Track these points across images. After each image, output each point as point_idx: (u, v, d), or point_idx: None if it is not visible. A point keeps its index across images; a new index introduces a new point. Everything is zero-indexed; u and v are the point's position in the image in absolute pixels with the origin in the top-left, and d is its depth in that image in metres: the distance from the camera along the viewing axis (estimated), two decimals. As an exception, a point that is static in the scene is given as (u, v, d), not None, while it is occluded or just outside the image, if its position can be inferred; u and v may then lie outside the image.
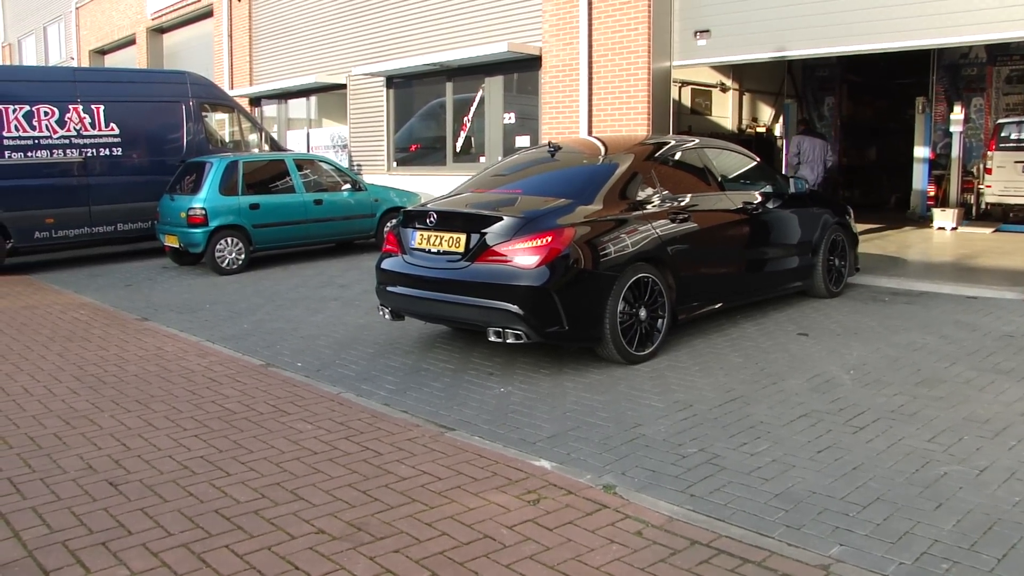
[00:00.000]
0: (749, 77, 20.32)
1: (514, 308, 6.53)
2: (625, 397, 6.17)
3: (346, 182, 14.34)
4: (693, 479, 4.67)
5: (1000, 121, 16.29)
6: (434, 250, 7.16)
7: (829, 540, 3.92)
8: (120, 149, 14.38)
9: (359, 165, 19.01)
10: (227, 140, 17.29)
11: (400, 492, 4.54)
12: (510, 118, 15.80)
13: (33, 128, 13.38)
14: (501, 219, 6.80)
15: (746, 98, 20.55)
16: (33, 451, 5.30)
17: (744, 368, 6.85)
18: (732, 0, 12.26)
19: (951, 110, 17.27)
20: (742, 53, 12.50)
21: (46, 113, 13.53)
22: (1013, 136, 15.53)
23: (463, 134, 16.84)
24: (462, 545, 3.91)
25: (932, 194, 17.91)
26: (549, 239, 6.59)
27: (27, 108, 13.34)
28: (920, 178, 18.18)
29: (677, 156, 8.21)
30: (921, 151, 17.99)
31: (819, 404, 5.89)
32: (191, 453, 5.22)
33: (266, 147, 17.41)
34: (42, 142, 13.50)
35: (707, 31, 12.59)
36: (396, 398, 6.36)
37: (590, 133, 13.56)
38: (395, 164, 18.45)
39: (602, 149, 8.23)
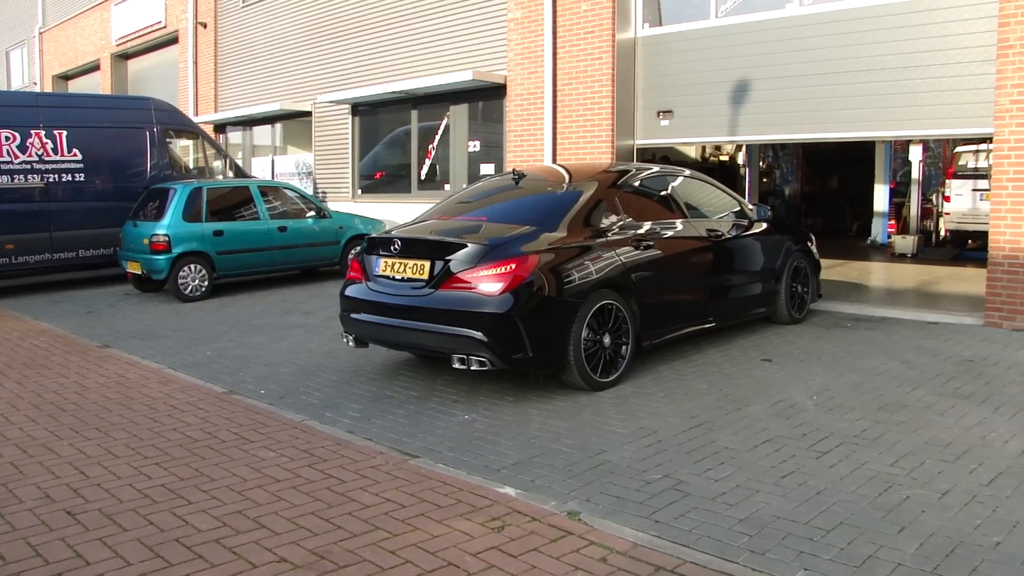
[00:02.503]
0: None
1: (478, 335, 6.52)
2: (590, 424, 6.16)
3: (311, 209, 14.29)
4: (658, 505, 4.67)
5: (958, 149, 16.57)
6: (398, 277, 7.15)
7: (794, 564, 3.93)
8: (83, 175, 14.25)
9: (324, 192, 18.98)
10: (191, 166, 17.18)
11: (363, 520, 4.50)
12: (475, 146, 15.85)
13: (-6, 153, 13.25)
14: (465, 246, 6.80)
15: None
16: (-11, 481, 5.21)
17: (708, 394, 6.88)
18: (692, 83, 12.57)
19: (910, 139, 17.55)
20: (703, 135, 12.87)
21: (7, 138, 13.38)
22: (970, 164, 15.79)
23: (428, 162, 16.86)
24: (426, 573, 3.88)
25: (892, 222, 18.17)
26: (513, 266, 6.59)
27: (-12, 133, 13.21)
28: (880, 206, 18.44)
29: (641, 184, 8.27)
30: (881, 179, 18.25)
31: (783, 429, 5.92)
32: (152, 481, 5.15)
33: (230, 174, 17.34)
34: (3, 167, 13.33)
35: (670, 112, 12.85)
36: (360, 425, 6.32)
37: (554, 161, 13.63)
38: (360, 191, 18.44)
39: (566, 176, 8.27)
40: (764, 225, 9.24)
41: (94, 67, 28.95)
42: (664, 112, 12.87)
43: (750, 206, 9.39)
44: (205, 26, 22.77)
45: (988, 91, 9.52)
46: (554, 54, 13.56)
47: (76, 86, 31.06)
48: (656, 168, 8.73)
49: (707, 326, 8.41)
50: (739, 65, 11.95)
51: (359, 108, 18.32)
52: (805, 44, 11.27)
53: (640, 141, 13.29)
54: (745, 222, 9.03)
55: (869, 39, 10.68)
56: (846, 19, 10.87)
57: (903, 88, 10.42)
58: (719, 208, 9.03)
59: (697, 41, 12.50)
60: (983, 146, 15.46)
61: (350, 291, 7.61)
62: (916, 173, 17.78)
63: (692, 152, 19.88)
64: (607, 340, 7.07)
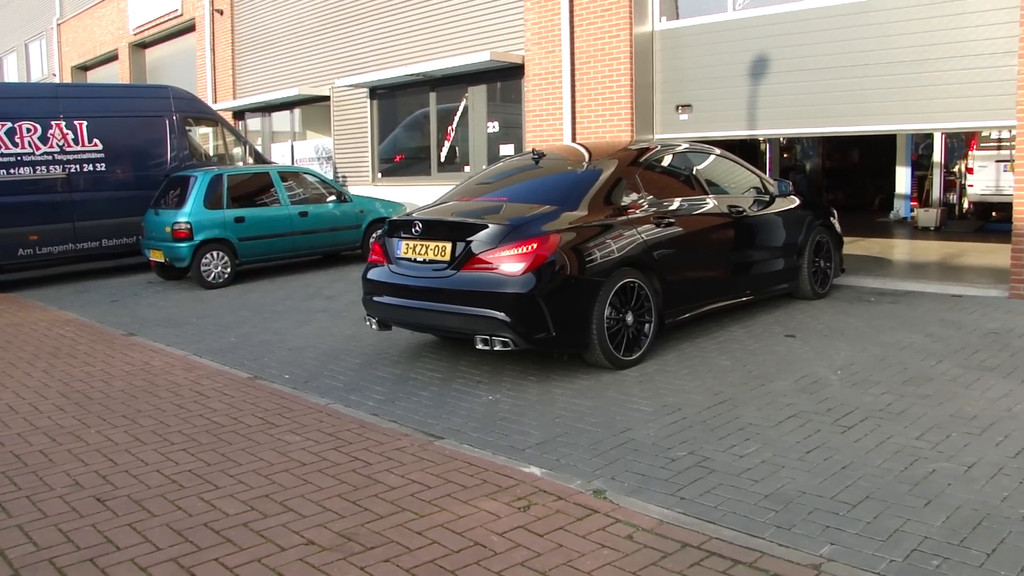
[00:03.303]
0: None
1: (501, 315, 6.53)
2: (614, 402, 6.17)
3: (331, 194, 14.32)
4: (683, 482, 4.67)
5: (981, 121, 16.37)
6: (420, 259, 7.15)
7: (820, 539, 3.92)
8: (104, 164, 14.34)
9: (344, 177, 19.00)
10: (211, 154, 17.25)
11: (390, 501, 4.52)
12: (494, 127, 15.81)
13: (16, 145, 13.33)
14: (486, 227, 6.80)
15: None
16: (19, 468, 5.26)
17: (732, 371, 6.86)
18: (710, 77, 12.50)
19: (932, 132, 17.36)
20: (722, 130, 12.70)
21: (28, 130, 13.48)
22: (994, 135, 15.61)
23: (447, 144, 16.85)
24: (453, 553, 3.90)
25: (915, 195, 18.01)
26: (535, 246, 6.58)
27: (9, 125, 13.29)
28: (903, 179, 18.28)
29: (661, 161, 8.24)
30: (903, 161, 18.11)
31: (807, 405, 5.90)
32: (179, 467, 5.20)
33: (250, 160, 17.38)
34: (25, 159, 13.45)
35: (689, 106, 12.78)
36: (385, 408, 6.35)
37: (574, 140, 13.58)
38: (380, 175, 18.45)
39: (586, 155, 8.24)
40: (786, 200, 9.17)
41: (112, 57, 29.05)
42: (683, 106, 12.80)
43: (771, 182, 9.32)
44: (222, 13, 22.79)
45: (1010, 83, 9.41)
46: (571, 33, 13.49)
47: (95, 76, 31.18)
48: (676, 145, 8.69)
49: (730, 302, 8.38)
50: (757, 58, 11.87)
51: (377, 91, 18.31)
52: (823, 36, 11.16)
53: (660, 136, 13.23)
54: (766, 198, 8.97)
55: (888, 31, 10.58)
56: (864, 11, 10.77)
57: (923, 81, 10.33)
58: (740, 184, 8.97)
59: (715, 34, 12.41)
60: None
61: (372, 274, 7.63)
62: (938, 145, 17.60)
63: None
64: (630, 318, 7.06)
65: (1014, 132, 9.78)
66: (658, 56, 13.11)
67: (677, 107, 12.88)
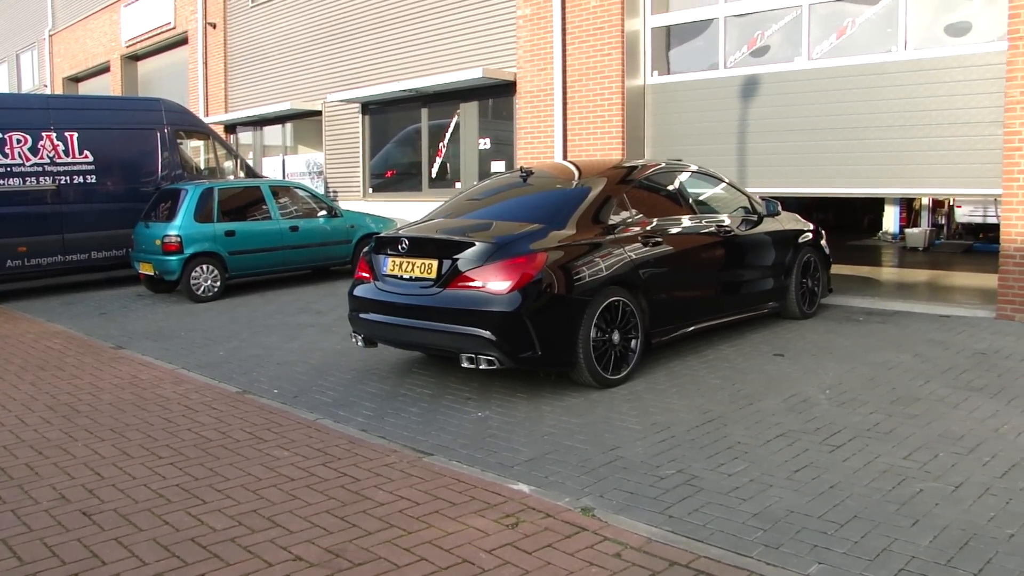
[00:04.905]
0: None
1: (486, 334, 6.52)
2: (603, 420, 6.17)
3: (322, 208, 14.33)
4: (671, 500, 4.67)
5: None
6: (406, 276, 7.15)
7: (807, 559, 3.93)
8: (94, 176, 14.30)
9: (335, 191, 19.00)
10: (202, 167, 17.23)
11: (378, 518, 4.52)
12: (485, 143, 15.85)
13: (5, 156, 13.29)
14: (473, 245, 6.79)
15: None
16: (4, 482, 5.24)
17: (721, 389, 6.87)
18: (700, 133, 12.57)
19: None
20: None
21: (19, 140, 13.44)
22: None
23: (438, 160, 16.87)
24: (440, 570, 3.89)
25: (903, 215, 18.13)
26: (521, 264, 6.59)
27: (-1, 136, 13.27)
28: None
29: (650, 180, 8.25)
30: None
31: (795, 424, 5.92)
32: (166, 481, 5.18)
33: (241, 174, 17.37)
34: (15, 170, 13.41)
35: (680, 160, 12.80)
36: (373, 424, 6.34)
37: (564, 157, 13.62)
38: (371, 190, 18.46)
39: (575, 173, 8.26)
40: (773, 220, 9.21)
41: (104, 69, 29.04)
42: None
43: (759, 201, 9.35)
44: (215, 26, 22.82)
45: (995, 152, 9.50)
46: (563, 50, 13.55)
47: (86, 88, 31.15)
48: (665, 164, 8.72)
49: (717, 322, 8.40)
50: (748, 117, 11.94)
51: (369, 107, 18.34)
52: (814, 98, 11.23)
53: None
54: (755, 217, 9.00)
55: (876, 95, 10.66)
56: (853, 75, 10.85)
57: (909, 146, 10.41)
58: (729, 204, 9.01)
59: (705, 91, 12.47)
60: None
61: (359, 291, 7.61)
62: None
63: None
64: (616, 337, 7.06)
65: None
66: (649, 111, 13.18)
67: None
